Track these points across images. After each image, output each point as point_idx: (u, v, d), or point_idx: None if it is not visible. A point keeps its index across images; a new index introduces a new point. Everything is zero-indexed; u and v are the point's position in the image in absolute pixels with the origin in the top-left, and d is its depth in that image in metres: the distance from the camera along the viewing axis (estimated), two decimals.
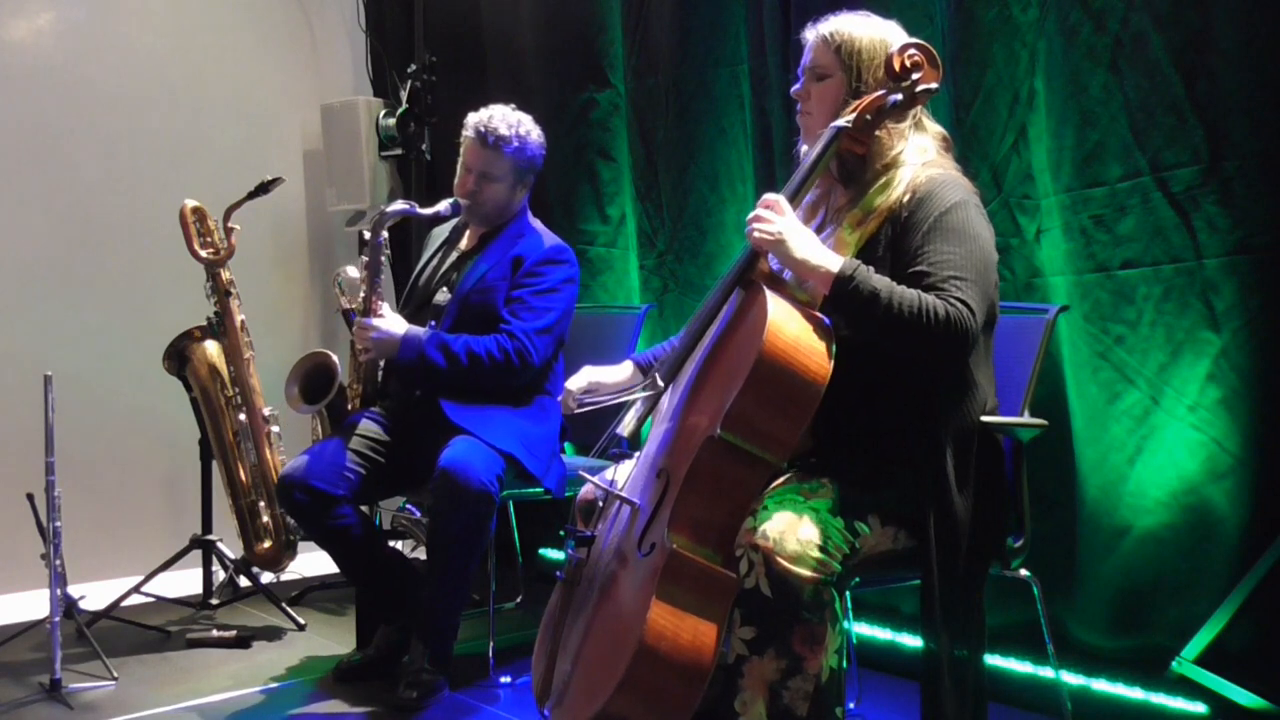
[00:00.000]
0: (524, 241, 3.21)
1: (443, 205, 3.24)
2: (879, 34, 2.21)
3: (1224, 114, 2.46)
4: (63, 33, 4.33)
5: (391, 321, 3.11)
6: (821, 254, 2.07)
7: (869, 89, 2.17)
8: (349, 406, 3.31)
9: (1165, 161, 2.54)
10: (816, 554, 1.94)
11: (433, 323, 3.18)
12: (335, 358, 3.40)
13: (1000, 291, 2.80)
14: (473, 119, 3.21)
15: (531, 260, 3.15)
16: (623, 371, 2.57)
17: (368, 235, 3.21)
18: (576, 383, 2.55)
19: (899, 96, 2.14)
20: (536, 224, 3.31)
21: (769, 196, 2.15)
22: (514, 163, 3.19)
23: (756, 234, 2.11)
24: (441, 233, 3.41)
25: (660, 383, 2.23)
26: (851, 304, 2.02)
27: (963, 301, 2.00)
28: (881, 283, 2.01)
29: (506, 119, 3.18)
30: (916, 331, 1.98)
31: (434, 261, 3.35)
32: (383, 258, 3.20)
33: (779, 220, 2.10)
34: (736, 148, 3.57)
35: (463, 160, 3.23)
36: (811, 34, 2.26)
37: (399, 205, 3.24)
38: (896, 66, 2.13)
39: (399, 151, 4.55)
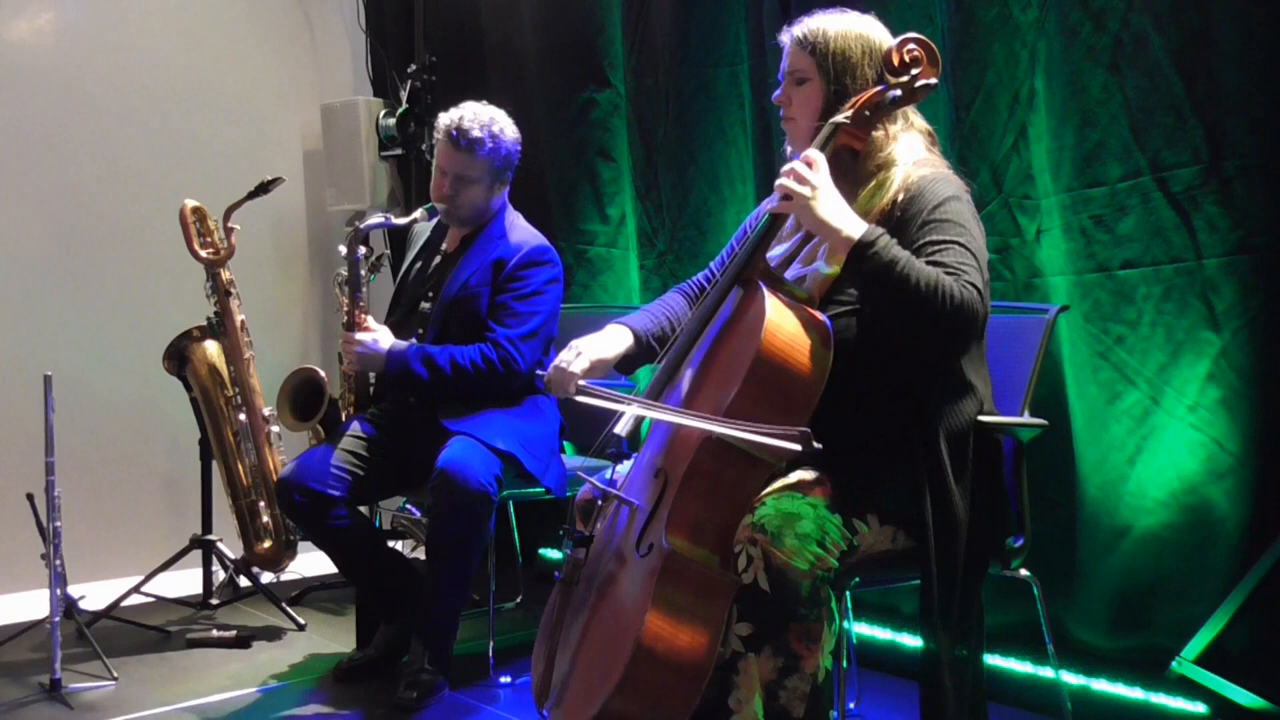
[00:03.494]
0: (505, 242, 3.18)
1: (417, 213, 3.24)
2: (854, 29, 2.19)
3: (1224, 114, 2.46)
4: (63, 33, 4.33)
5: (377, 335, 3.11)
6: (849, 217, 2.04)
7: (849, 91, 2.16)
8: (343, 416, 3.31)
9: (1165, 161, 2.54)
10: (814, 549, 1.94)
11: (419, 331, 3.18)
12: (321, 372, 3.41)
13: (1000, 291, 2.84)
14: (444, 120, 3.15)
15: (513, 263, 3.12)
16: (621, 343, 2.37)
17: (344, 251, 3.20)
18: (579, 364, 2.30)
19: (898, 92, 2.12)
20: (517, 221, 3.27)
21: (810, 153, 2.07)
22: (489, 163, 3.14)
23: (791, 183, 2.03)
24: (424, 230, 3.39)
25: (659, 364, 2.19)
26: (870, 269, 1.98)
27: (973, 285, 1.98)
28: (901, 254, 1.98)
29: (478, 118, 3.13)
30: (930, 307, 1.94)
31: (418, 265, 3.34)
32: (362, 271, 3.19)
33: (816, 177, 2.05)
34: (736, 148, 3.56)
35: (436, 163, 3.18)
36: (786, 37, 2.24)
37: (374, 219, 3.21)
38: (895, 61, 2.11)
39: (399, 151, 4.56)
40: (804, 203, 2.04)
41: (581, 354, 2.31)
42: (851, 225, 2.02)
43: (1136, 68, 2.57)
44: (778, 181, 2.09)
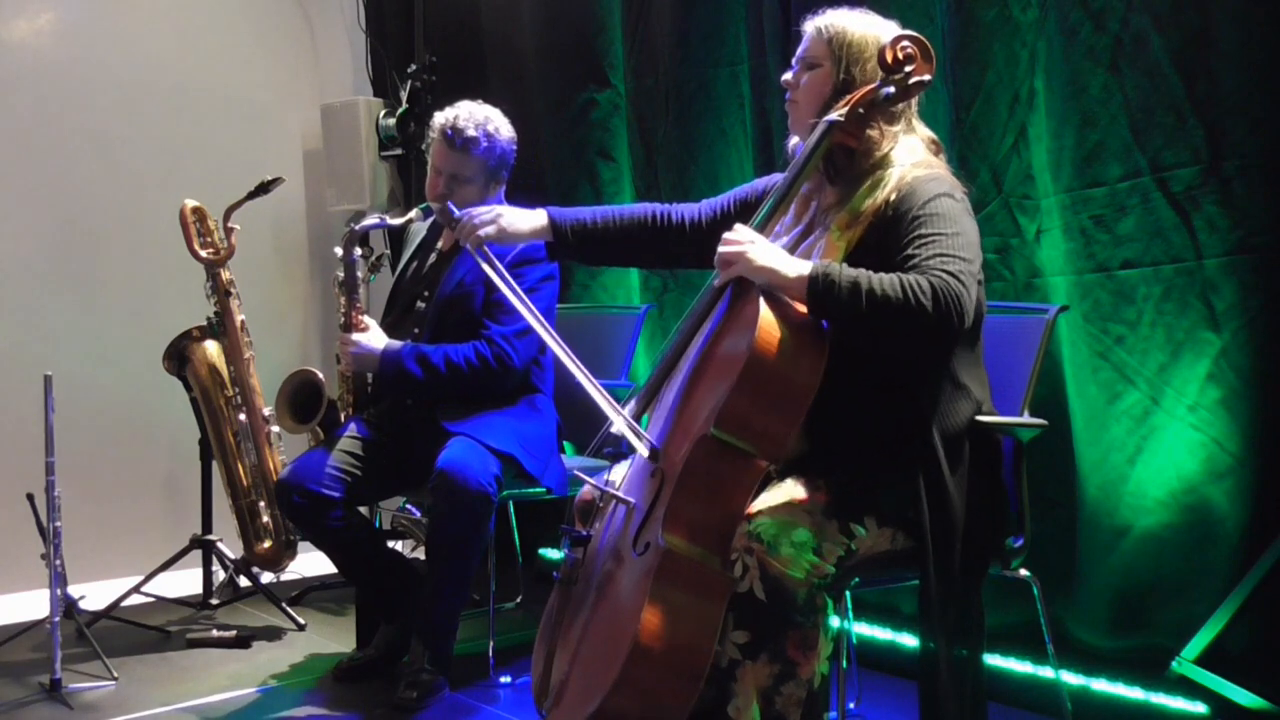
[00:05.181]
0: None
1: (413, 213, 3.23)
2: (872, 30, 2.20)
3: (1224, 114, 2.46)
4: (63, 33, 4.33)
5: (372, 336, 3.11)
6: (793, 261, 2.04)
7: (856, 82, 2.16)
8: (341, 417, 3.31)
9: (1165, 161, 2.54)
10: (810, 557, 1.94)
11: (415, 330, 3.18)
12: (319, 374, 3.41)
13: (1000, 291, 2.83)
14: (439, 119, 3.15)
15: (508, 261, 3.07)
16: (534, 222, 2.50)
17: (340, 253, 3.20)
18: (488, 230, 2.47)
19: (891, 89, 2.13)
20: None
21: (736, 226, 2.13)
22: (484, 163, 3.13)
23: (726, 248, 2.08)
24: (420, 230, 3.39)
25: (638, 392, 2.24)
26: (833, 301, 1.96)
27: (949, 273, 1.95)
28: (859, 273, 1.97)
29: (473, 117, 3.12)
30: (906, 312, 1.92)
31: (414, 265, 3.34)
32: (359, 273, 3.19)
33: (748, 234, 2.09)
34: (736, 148, 3.56)
35: (431, 163, 3.18)
36: (809, 26, 2.27)
37: (369, 220, 3.20)
38: (889, 58, 2.12)
39: (399, 151, 4.56)
40: (744, 258, 2.05)
41: (496, 222, 2.48)
42: (799, 265, 2.02)
43: (1136, 68, 2.57)
44: (716, 258, 2.11)
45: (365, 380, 3.27)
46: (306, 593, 4.01)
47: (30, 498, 3.05)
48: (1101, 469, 2.68)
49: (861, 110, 2.13)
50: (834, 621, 2.00)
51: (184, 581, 3.95)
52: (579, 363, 2.22)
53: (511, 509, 3.82)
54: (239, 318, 3.80)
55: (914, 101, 2.22)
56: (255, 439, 3.80)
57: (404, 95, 4.41)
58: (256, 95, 4.82)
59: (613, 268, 3.88)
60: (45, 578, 2.99)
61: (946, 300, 1.93)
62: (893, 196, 2.10)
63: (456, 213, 2.54)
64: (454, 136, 3.10)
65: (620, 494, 2.20)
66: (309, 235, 5.04)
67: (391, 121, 4.48)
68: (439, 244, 3.31)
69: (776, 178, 2.42)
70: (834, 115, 2.13)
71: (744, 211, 2.39)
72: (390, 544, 3.44)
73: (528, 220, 2.50)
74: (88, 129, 4.35)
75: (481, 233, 2.47)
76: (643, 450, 2.07)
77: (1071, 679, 2.74)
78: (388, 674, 3.10)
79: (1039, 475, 2.64)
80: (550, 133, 4.09)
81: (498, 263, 2.45)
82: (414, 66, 4.38)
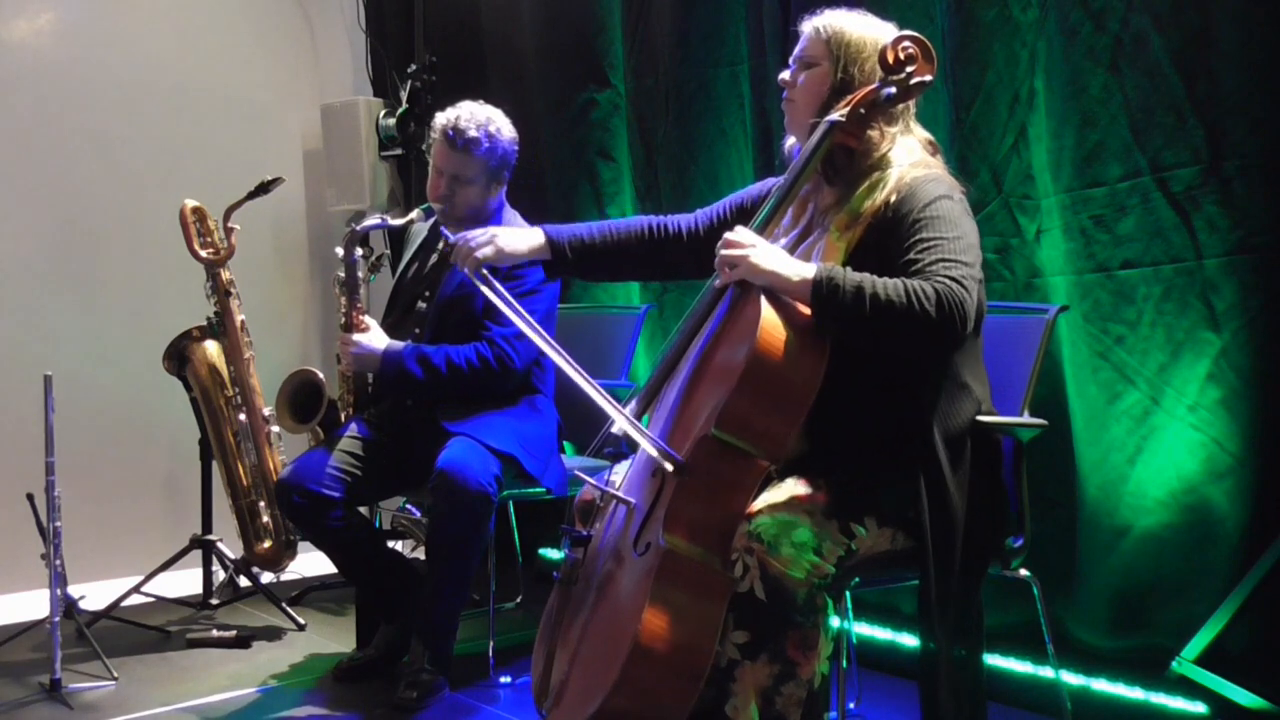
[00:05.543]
0: None
1: (414, 213, 3.23)
2: (871, 31, 2.21)
3: (1224, 114, 2.46)
4: (63, 33, 4.33)
5: (373, 337, 3.11)
6: (796, 263, 2.04)
7: (855, 82, 2.16)
8: (342, 417, 3.31)
9: (1165, 161, 2.54)
10: (811, 556, 1.94)
11: (416, 331, 3.18)
12: (319, 373, 3.42)
13: (1000, 291, 2.83)
14: (440, 120, 3.15)
15: (507, 265, 3.11)
16: (531, 241, 2.47)
17: (341, 253, 3.20)
18: (485, 251, 2.42)
19: (892, 90, 2.13)
20: (515, 220, 3.25)
21: (737, 228, 2.13)
22: (485, 163, 3.13)
23: (727, 251, 2.07)
24: (421, 231, 3.39)
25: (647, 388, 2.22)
26: (836, 305, 1.96)
27: (952, 278, 1.96)
28: (863, 277, 1.97)
29: (475, 118, 3.12)
30: (909, 317, 1.93)
31: (415, 265, 3.34)
32: (360, 273, 3.19)
33: (749, 237, 2.08)
34: (736, 148, 3.56)
35: (433, 163, 3.18)
36: (807, 26, 2.27)
37: (371, 220, 3.19)
38: (890, 59, 2.12)
39: (399, 151, 4.56)
40: (746, 261, 2.05)
41: (492, 243, 2.44)
42: (802, 268, 2.02)
43: (1136, 68, 2.57)
44: (716, 260, 2.11)
45: (365, 380, 3.27)
46: (306, 593, 4.01)
47: (30, 498, 3.05)
48: (1101, 469, 2.68)
49: (862, 110, 2.13)
50: (834, 621, 2.00)
51: (184, 581, 3.95)
52: (587, 375, 2.18)
53: (511, 509, 3.82)
54: (239, 318, 3.80)
55: (913, 102, 2.22)
56: (255, 439, 3.80)
57: (404, 95, 4.41)
58: (256, 95, 4.82)
59: (613, 282, 3.88)
60: (45, 578, 2.99)
61: (950, 305, 1.93)
62: (892, 198, 2.10)
63: (452, 238, 2.51)
64: (455, 137, 3.10)
65: (620, 494, 2.20)
66: (309, 235, 5.04)
67: (391, 121, 4.48)
68: (440, 245, 3.31)
69: (772, 183, 2.42)
70: (835, 115, 2.13)
71: (740, 217, 2.38)
72: (390, 544, 3.44)
73: (524, 240, 2.48)
74: (88, 129, 4.35)
75: (479, 254, 2.42)
76: (666, 465, 2.04)
77: (1071, 679, 2.74)
78: (388, 674, 3.10)
79: (1039, 475, 2.64)
80: (550, 133, 4.09)
81: (497, 284, 2.41)
82: (414, 66, 4.38)
